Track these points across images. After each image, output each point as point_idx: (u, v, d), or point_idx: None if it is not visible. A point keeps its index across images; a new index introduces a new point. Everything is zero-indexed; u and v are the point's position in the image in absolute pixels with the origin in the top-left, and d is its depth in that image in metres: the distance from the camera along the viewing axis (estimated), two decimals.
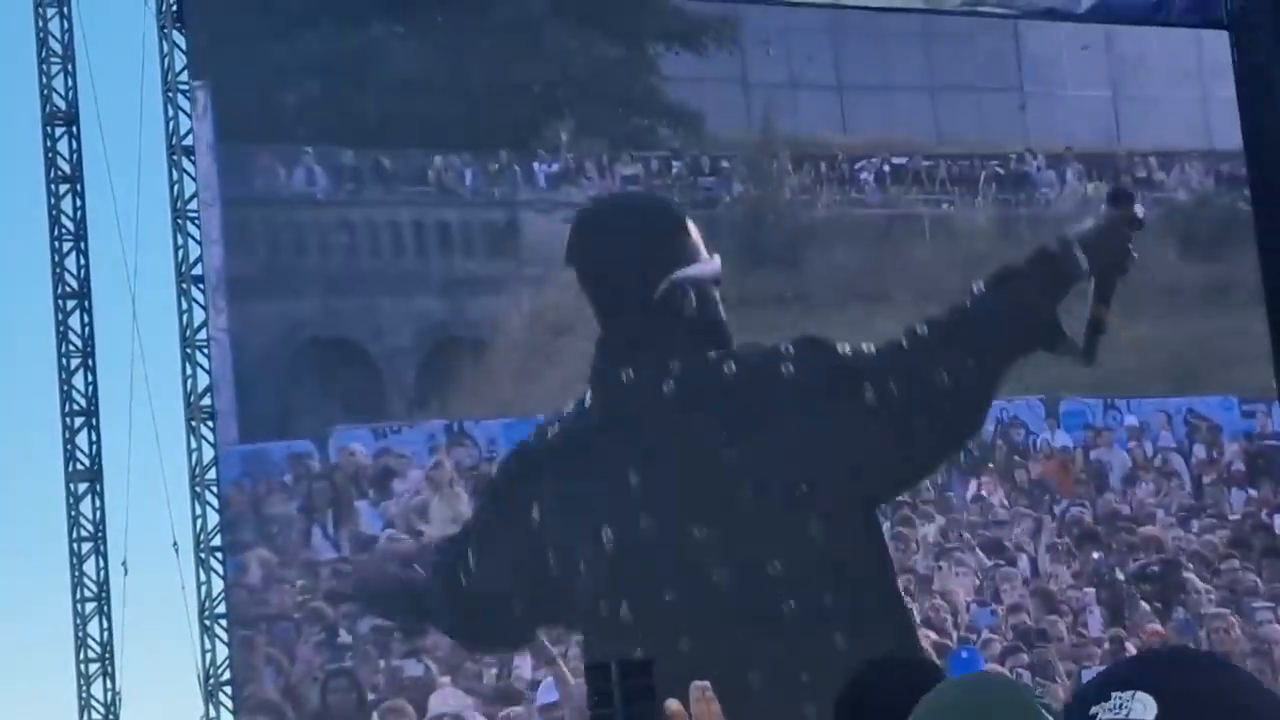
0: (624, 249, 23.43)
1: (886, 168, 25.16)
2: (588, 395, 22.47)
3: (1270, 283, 25.83)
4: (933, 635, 22.98)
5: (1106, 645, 23.92)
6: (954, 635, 23.19)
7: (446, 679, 21.21)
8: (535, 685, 21.54)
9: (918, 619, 23.21)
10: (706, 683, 3.14)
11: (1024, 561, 24.24)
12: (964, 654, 23.06)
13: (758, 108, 24.75)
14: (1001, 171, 25.73)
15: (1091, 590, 24.30)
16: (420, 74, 23.16)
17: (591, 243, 23.08)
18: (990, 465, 24.57)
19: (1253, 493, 25.77)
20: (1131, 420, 25.54)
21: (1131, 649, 23.83)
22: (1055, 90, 26.17)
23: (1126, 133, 26.56)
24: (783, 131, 24.70)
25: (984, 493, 24.38)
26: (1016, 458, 24.78)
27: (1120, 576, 24.45)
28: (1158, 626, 24.32)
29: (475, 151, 23.25)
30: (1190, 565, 24.94)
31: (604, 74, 24.04)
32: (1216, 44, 26.71)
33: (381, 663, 21.15)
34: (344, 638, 21.15)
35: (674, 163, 24.16)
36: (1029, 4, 25.81)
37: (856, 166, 25.00)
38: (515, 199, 23.31)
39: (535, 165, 23.42)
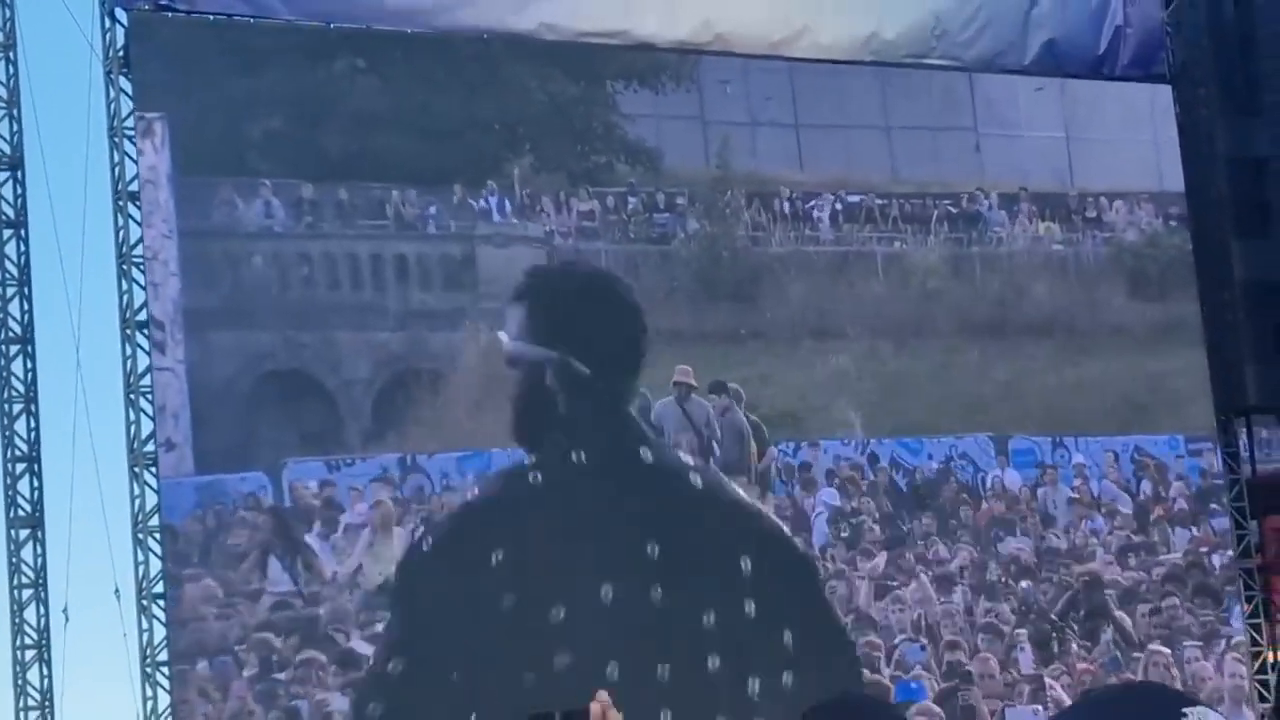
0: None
1: (840, 205, 25.38)
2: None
3: (1209, 327, 26.18)
4: (866, 673, 23.21)
5: (1028, 687, 24.21)
6: (886, 673, 23.41)
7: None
8: None
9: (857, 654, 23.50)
10: (605, 693, 3.17)
11: (961, 598, 24.46)
12: (912, 685, 23.34)
13: (715, 145, 24.95)
14: (954, 210, 25.99)
15: (1025, 629, 24.57)
16: (381, 109, 23.29)
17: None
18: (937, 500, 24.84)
19: (1195, 531, 26.07)
20: (1079, 458, 25.82)
21: (1058, 687, 24.18)
22: (1010, 131, 26.43)
23: (1079, 173, 26.83)
24: (740, 169, 24.91)
25: (929, 529, 24.63)
26: (965, 495, 25.02)
27: (1054, 614, 24.74)
28: (1088, 665, 24.62)
29: (434, 186, 23.39)
30: (1123, 603, 25.24)
31: (562, 110, 24.21)
32: (1167, 90, 27.02)
33: (318, 695, 21.20)
34: (284, 673, 21.23)
35: (630, 199, 24.34)
36: (977, 57, 26.05)
37: (809, 204, 25.21)
38: (473, 233, 23.47)
39: (493, 200, 23.57)
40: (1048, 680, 24.26)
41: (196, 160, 22.27)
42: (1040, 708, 23.96)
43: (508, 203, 23.63)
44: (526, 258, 23.73)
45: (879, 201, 25.62)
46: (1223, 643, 25.48)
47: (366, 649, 21.41)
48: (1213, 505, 26.22)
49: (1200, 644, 25.32)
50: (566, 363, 22.41)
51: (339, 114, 23.11)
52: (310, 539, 21.78)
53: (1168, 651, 25.08)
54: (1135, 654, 24.95)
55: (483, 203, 23.51)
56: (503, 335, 22.69)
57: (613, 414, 22.90)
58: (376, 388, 22.75)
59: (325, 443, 22.32)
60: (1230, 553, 25.95)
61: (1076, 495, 25.62)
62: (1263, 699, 25.17)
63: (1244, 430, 26.83)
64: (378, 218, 23.13)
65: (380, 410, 22.63)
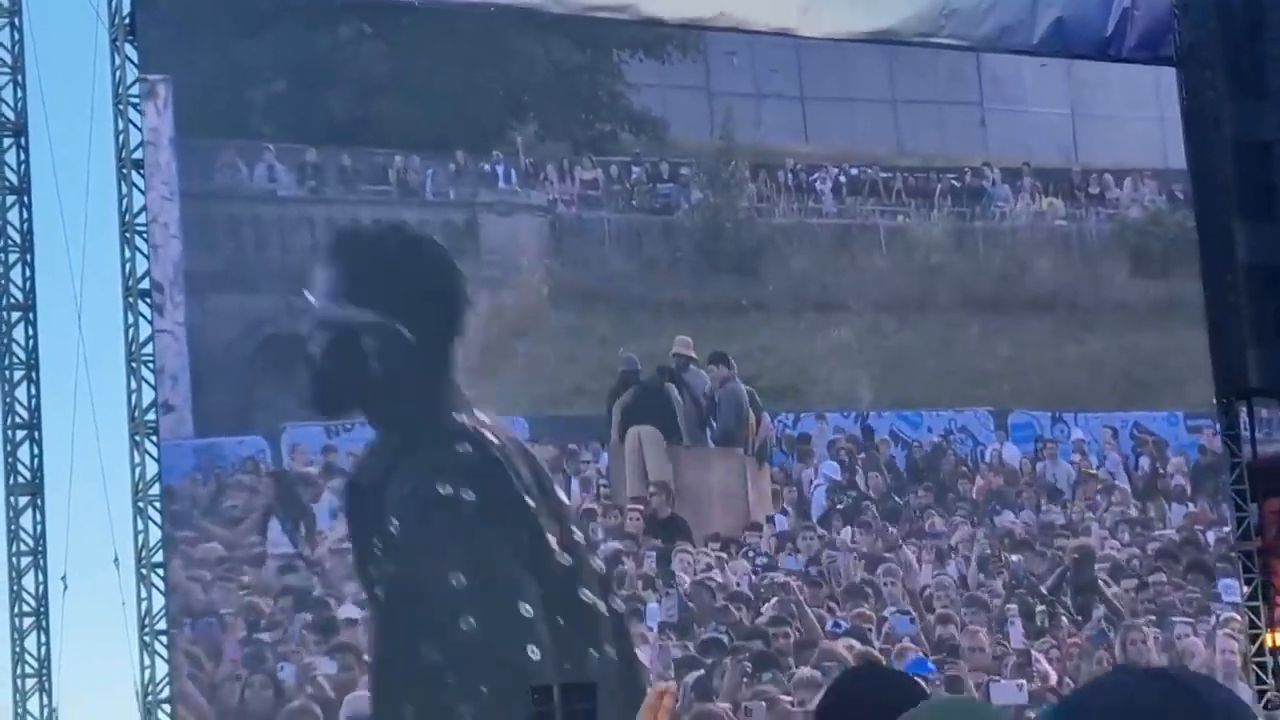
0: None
1: (843, 178, 25.38)
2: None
3: (1212, 310, 26.17)
4: (856, 645, 23.29)
5: (1015, 660, 24.29)
6: (876, 645, 23.48)
7: (365, 678, 21.41)
8: None
9: (845, 627, 23.56)
10: (670, 684, 3.17)
11: (955, 570, 24.53)
12: (923, 660, 23.45)
13: (720, 116, 24.94)
14: (958, 184, 25.98)
15: (1015, 603, 24.64)
16: (386, 75, 23.31)
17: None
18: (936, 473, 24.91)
19: (1191, 508, 26.12)
20: (1078, 434, 25.86)
21: (1045, 661, 24.27)
22: (1015, 107, 26.40)
23: (1083, 150, 26.81)
24: (745, 140, 24.90)
25: (925, 502, 24.70)
26: (963, 468, 25.08)
27: (1044, 588, 24.80)
28: (1077, 639, 24.69)
29: (437, 152, 23.41)
30: (1115, 578, 25.29)
31: (568, 78, 24.21)
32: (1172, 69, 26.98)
33: (306, 659, 21.30)
34: (273, 634, 21.33)
35: (634, 168, 24.36)
36: (984, 37, 26.00)
37: (813, 177, 25.21)
38: (475, 200, 23.48)
39: (496, 167, 23.58)
40: (1035, 654, 24.33)
41: (200, 123, 22.31)
42: (1024, 682, 24.04)
43: (512, 171, 23.64)
44: (529, 226, 23.76)
45: (883, 175, 25.61)
46: (1213, 619, 25.54)
47: (357, 614, 21.50)
48: (1209, 482, 26.26)
49: (1191, 620, 25.37)
50: (385, 326, 22.00)
51: (343, 79, 23.13)
52: (309, 503, 21.85)
53: (1142, 623, 25.11)
54: (1126, 626, 25.00)
55: (486, 169, 23.53)
56: (309, 295, 22.11)
57: (434, 380, 22.47)
58: None
59: None
60: (1226, 529, 25.99)
61: (1075, 470, 25.65)
62: (1261, 681, 25.23)
63: (1245, 413, 26.81)
64: (380, 183, 23.15)
65: None
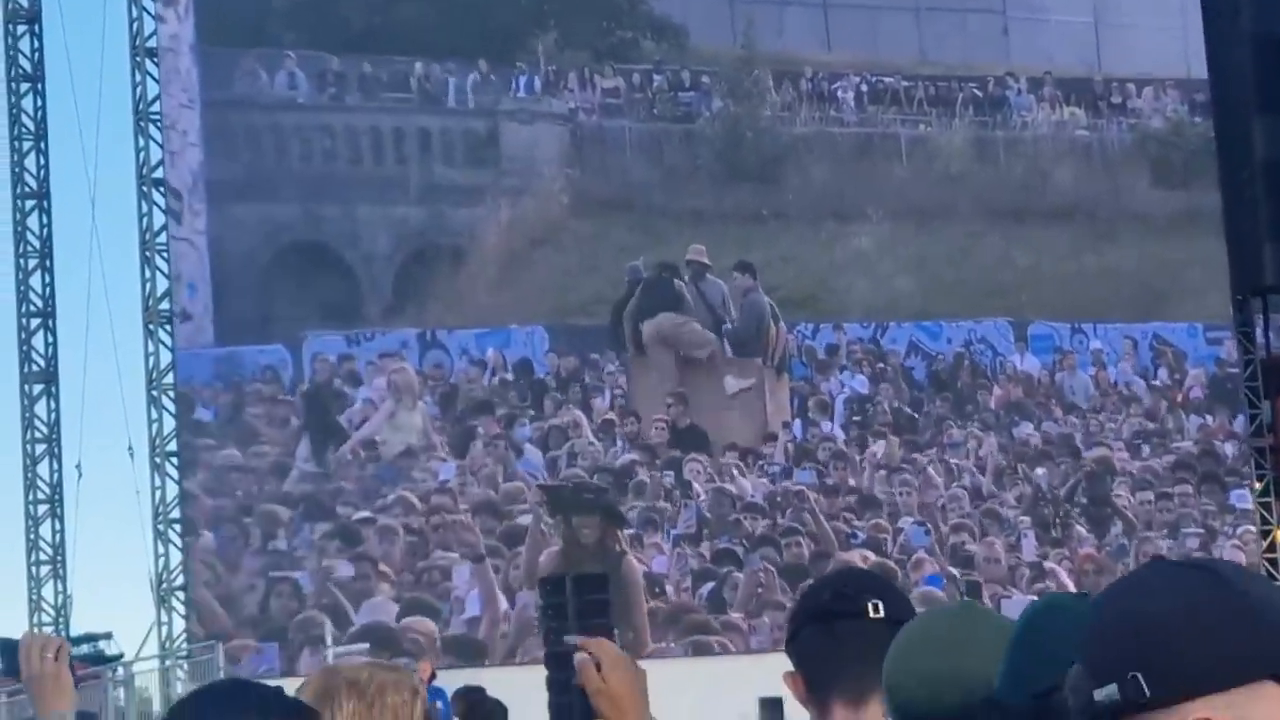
0: None
1: (865, 87, 25.25)
2: None
3: (1228, 204, 26.05)
4: (871, 555, 23.38)
5: (1029, 572, 24.40)
6: (891, 556, 23.57)
7: (385, 586, 21.55)
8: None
9: (861, 539, 23.66)
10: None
11: (970, 482, 24.60)
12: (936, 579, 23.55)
13: (742, 23, 24.79)
14: (980, 94, 25.85)
15: (1029, 515, 24.73)
16: None
17: None
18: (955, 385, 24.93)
19: (1209, 419, 26.15)
20: (1097, 344, 25.85)
21: (1061, 571, 24.38)
22: (1038, 15, 26.22)
23: (1106, 59, 26.64)
24: (766, 48, 24.76)
25: (943, 413, 24.73)
26: (982, 380, 25.09)
27: (1060, 494, 24.88)
28: (1091, 550, 24.78)
29: (458, 60, 23.29)
30: (1130, 489, 25.36)
31: None
32: None
33: (323, 563, 21.43)
34: (289, 541, 21.44)
35: (655, 76, 24.24)
36: None
37: (835, 85, 25.09)
38: (497, 109, 23.40)
39: (522, 78, 23.48)
40: (1050, 565, 24.42)
41: (220, 30, 22.21)
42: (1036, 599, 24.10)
43: (535, 79, 23.53)
44: (551, 135, 23.67)
45: (905, 84, 25.47)
46: (1228, 529, 25.62)
47: (382, 520, 21.64)
48: (1227, 394, 26.29)
49: (1202, 532, 25.44)
50: None
51: None
52: (331, 413, 21.92)
53: (1167, 543, 25.20)
54: (1140, 539, 25.08)
55: (507, 78, 23.42)
56: None
57: None
58: (397, 262, 22.79)
59: (345, 317, 22.40)
60: (1242, 443, 26.04)
61: (1095, 382, 25.65)
62: (1272, 578, 25.33)
63: (1261, 312, 26.72)
64: (401, 90, 23.06)
65: (400, 285, 22.68)
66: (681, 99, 24.35)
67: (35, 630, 21.41)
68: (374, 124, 22.96)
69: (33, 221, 22.89)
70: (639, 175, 24.17)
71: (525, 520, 22.16)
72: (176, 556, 21.28)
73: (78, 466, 22.57)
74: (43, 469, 22.69)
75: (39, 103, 23.02)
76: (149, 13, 21.93)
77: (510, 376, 22.79)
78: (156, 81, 21.89)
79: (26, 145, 22.96)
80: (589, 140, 23.99)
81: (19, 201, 22.88)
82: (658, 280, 23.48)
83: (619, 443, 22.95)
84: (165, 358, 21.60)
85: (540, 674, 14.31)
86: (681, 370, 23.46)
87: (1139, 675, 1.63)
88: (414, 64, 23.13)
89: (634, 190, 24.05)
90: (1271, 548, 25.68)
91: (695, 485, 23.04)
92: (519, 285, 22.97)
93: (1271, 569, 25.36)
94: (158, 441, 21.54)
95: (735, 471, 23.32)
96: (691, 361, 23.56)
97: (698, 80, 24.47)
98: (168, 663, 20.72)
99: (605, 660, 2.81)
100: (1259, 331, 26.69)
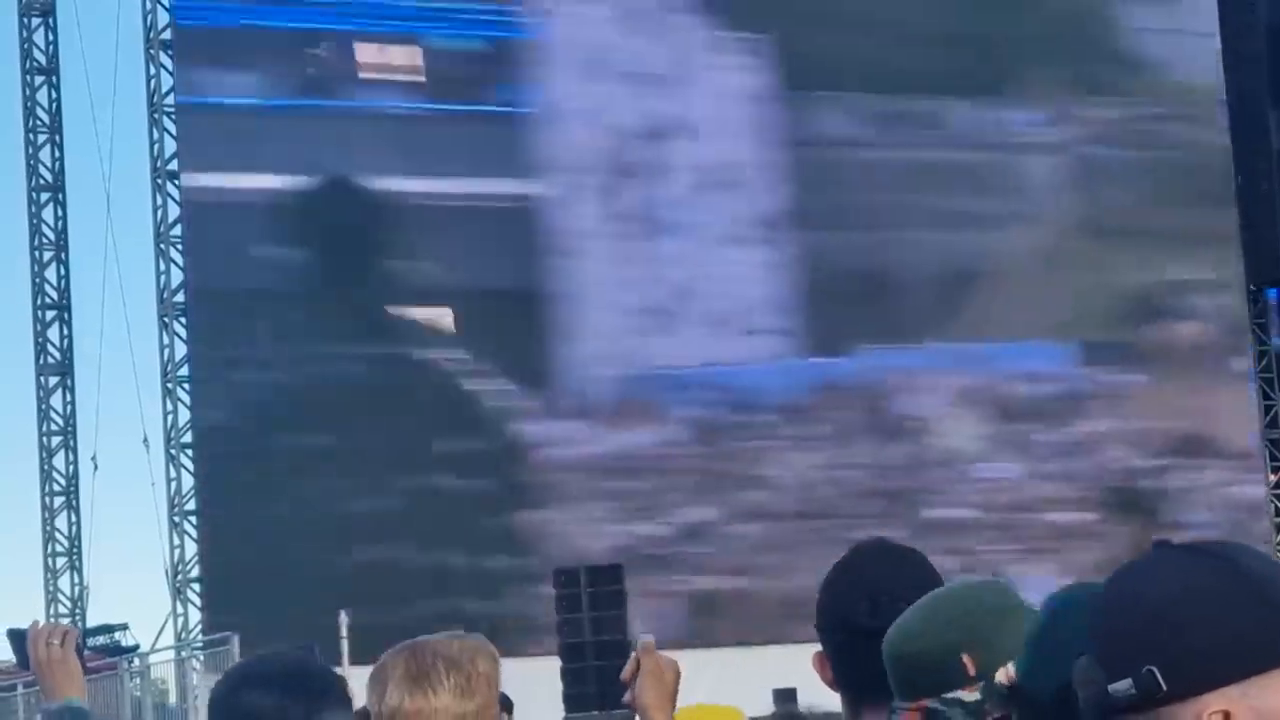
0: None
1: None
2: None
3: (1243, 193, 26.06)
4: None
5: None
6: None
7: None
8: None
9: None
10: (651, 637, 3.23)
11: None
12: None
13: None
14: None
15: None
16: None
17: None
18: None
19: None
20: None
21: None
22: None
23: None
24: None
25: None
26: None
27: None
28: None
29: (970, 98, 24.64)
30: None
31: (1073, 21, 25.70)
32: None
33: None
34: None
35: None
36: None
37: None
38: (997, 141, 24.72)
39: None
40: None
41: None
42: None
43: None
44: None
45: None
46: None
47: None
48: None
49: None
50: None
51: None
52: None
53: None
54: None
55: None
56: None
57: None
58: None
59: None
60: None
61: None
62: None
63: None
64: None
65: None
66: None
67: (51, 620, 21.40)
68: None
69: (48, 214, 22.90)
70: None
71: None
72: (192, 548, 21.32)
73: (93, 458, 22.60)
74: (59, 461, 22.71)
75: (54, 95, 23.02)
76: (163, 4, 21.86)
77: None
78: (170, 73, 21.84)
79: (41, 138, 22.97)
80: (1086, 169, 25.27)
81: (34, 194, 22.88)
82: None
83: None
84: (180, 349, 21.57)
85: (543, 664, 14.14)
86: None
87: (1154, 669, 1.60)
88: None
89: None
90: None
91: None
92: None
93: None
94: (173, 434, 21.54)
95: None
96: None
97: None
98: (184, 654, 20.74)
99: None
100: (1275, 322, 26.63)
